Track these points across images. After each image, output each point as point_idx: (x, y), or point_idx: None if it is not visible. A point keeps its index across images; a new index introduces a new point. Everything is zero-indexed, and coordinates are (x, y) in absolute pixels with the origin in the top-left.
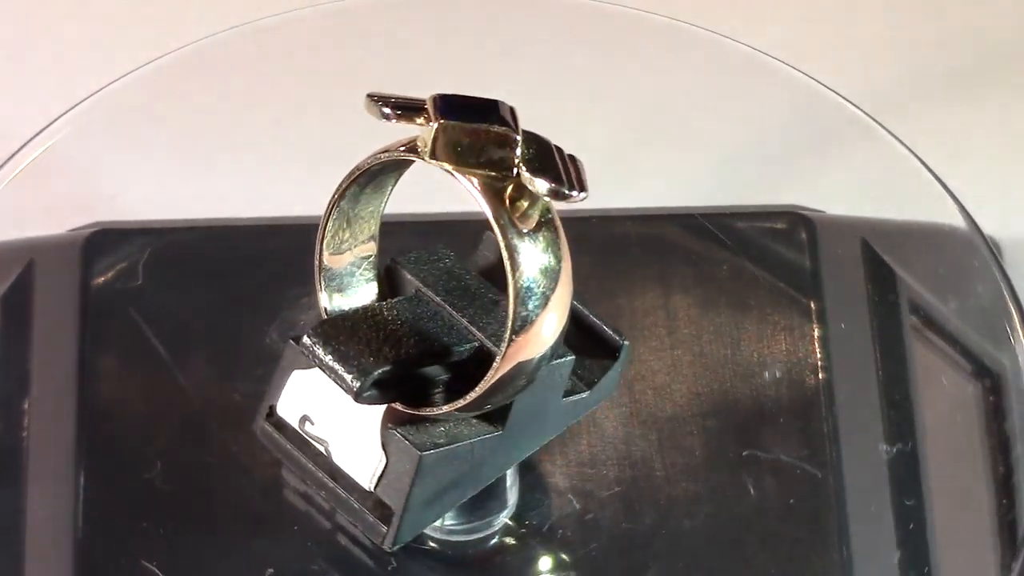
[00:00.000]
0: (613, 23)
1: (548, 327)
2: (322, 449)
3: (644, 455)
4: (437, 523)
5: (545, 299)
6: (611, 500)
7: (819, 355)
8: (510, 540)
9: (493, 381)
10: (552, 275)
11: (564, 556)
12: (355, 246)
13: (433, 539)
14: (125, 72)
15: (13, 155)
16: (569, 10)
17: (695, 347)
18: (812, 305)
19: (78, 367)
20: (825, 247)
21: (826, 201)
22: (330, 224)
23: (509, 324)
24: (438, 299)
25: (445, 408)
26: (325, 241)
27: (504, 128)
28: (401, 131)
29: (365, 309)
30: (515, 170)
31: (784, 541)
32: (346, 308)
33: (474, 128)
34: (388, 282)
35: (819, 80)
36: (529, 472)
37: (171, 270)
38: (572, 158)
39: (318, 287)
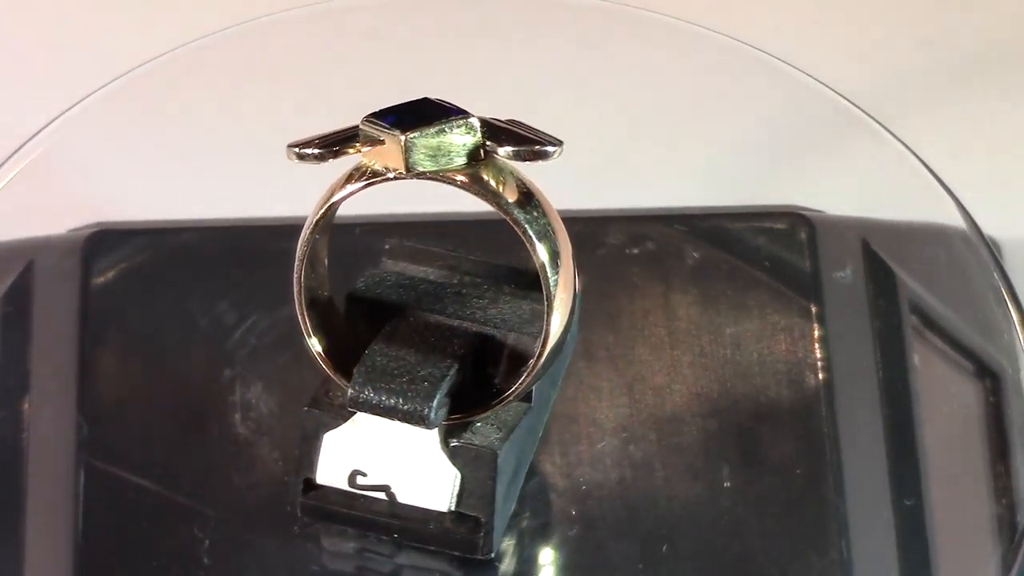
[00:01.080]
0: (612, 21)
1: (568, 284)
2: (382, 495)
3: (644, 455)
4: None
5: (556, 257)
6: (611, 500)
7: (819, 355)
8: (510, 541)
9: (546, 355)
10: (553, 234)
11: (564, 556)
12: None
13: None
14: (125, 71)
15: (12, 154)
16: (568, 9)
17: (695, 347)
18: (812, 305)
19: (78, 367)
20: (825, 247)
21: (826, 201)
22: (307, 263)
23: (546, 296)
24: (422, 310)
25: (497, 403)
26: (304, 283)
27: (460, 118)
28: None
29: (374, 345)
30: (483, 152)
31: (784, 541)
32: (334, 348)
33: (438, 129)
34: (358, 312)
35: (819, 80)
36: (529, 472)
37: (171, 270)
38: (519, 123)
39: (306, 332)
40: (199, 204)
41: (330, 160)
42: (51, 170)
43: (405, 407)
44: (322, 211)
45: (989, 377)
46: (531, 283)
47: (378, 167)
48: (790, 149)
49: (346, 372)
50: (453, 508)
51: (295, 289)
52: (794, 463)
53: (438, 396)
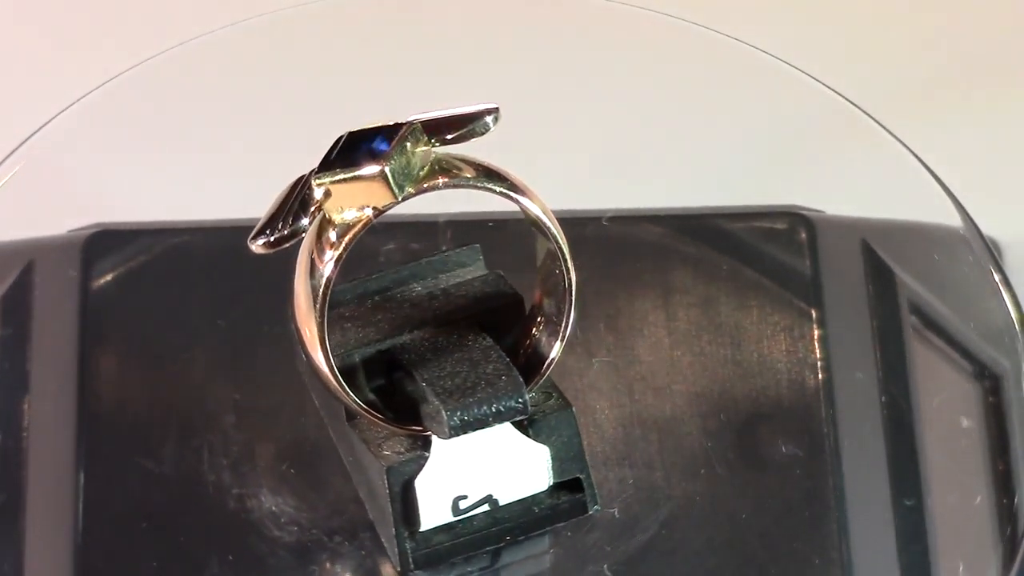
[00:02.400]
0: (611, 21)
1: (555, 222)
2: (485, 507)
3: (644, 455)
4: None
5: (542, 207)
6: (610, 500)
7: (819, 355)
8: (510, 541)
9: (574, 295)
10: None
11: (564, 556)
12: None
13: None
14: (124, 69)
15: (11, 153)
16: (567, 8)
17: (695, 347)
18: (812, 305)
19: (78, 367)
20: (825, 247)
21: (826, 201)
22: (328, 325)
23: (552, 238)
24: (412, 332)
25: (548, 367)
26: (331, 345)
27: (408, 127)
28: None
29: (421, 376)
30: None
31: (784, 541)
32: (371, 396)
33: (401, 146)
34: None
35: (819, 80)
36: None
37: (171, 270)
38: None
39: (347, 397)
40: (199, 204)
41: (302, 236)
42: (51, 170)
43: (504, 406)
44: (321, 296)
45: (989, 377)
46: (446, 265)
47: (349, 215)
48: (790, 149)
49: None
50: (552, 482)
51: (326, 368)
52: (794, 463)
53: (522, 381)
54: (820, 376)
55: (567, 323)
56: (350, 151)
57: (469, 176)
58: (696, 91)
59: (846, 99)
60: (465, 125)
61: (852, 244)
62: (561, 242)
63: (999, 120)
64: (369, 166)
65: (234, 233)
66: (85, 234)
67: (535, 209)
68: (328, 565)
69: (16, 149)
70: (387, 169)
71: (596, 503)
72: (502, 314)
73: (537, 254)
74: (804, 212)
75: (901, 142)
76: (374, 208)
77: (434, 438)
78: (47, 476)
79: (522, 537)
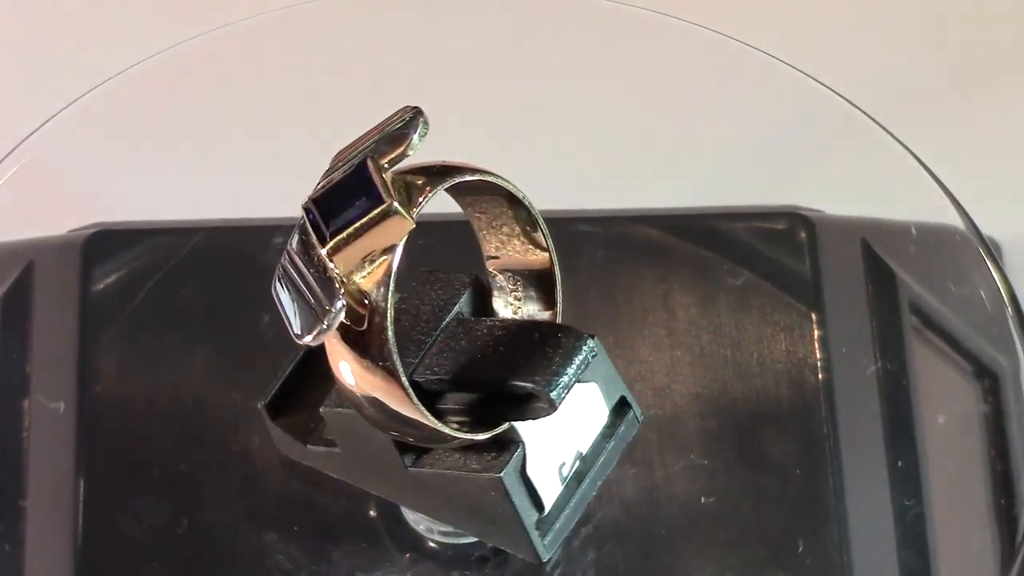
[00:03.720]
0: (611, 21)
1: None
2: (578, 463)
3: (644, 455)
4: (436, 524)
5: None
6: (610, 500)
7: (819, 355)
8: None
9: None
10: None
11: (563, 556)
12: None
13: (433, 540)
14: (124, 69)
15: (11, 152)
16: (568, 9)
17: (695, 347)
18: (812, 305)
19: (78, 367)
20: (825, 247)
21: (826, 201)
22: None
23: (540, 223)
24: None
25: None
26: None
27: (368, 167)
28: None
29: (488, 373)
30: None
31: (784, 541)
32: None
33: (396, 174)
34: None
35: (819, 80)
36: None
37: (171, 270)
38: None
39: (450, 433)
40: (199, 204)
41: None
42: (51, 170)
43: (581, 357)
44: (398, 372)
45: (989, 377)
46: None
47: (367, 274)
48: (790, 149)
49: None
50: (609, 410)
51: (429, 420)
52: (794, 463)
53: (575, 328)
54: (820, 376)
55: (558, 283)
56: (333, 213)
57: (440, 176)
58: (696, 91)
59: (846, 99)
60: (400, 137)
61: (852, 244)
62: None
63: (999, 120)
64: (386, 201)
65: (234, 233)
66: (85, 234)
67: (507, 184)
68: (323, 558)
69: (15, 147)
70: (385, 207)
71: (640, 413)
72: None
73: (484, 241)
74: (804, 212)
75: (900, 142)
76: (385, 250)
77: (519, 425)
78: (47, 476)
79: (607, 474)
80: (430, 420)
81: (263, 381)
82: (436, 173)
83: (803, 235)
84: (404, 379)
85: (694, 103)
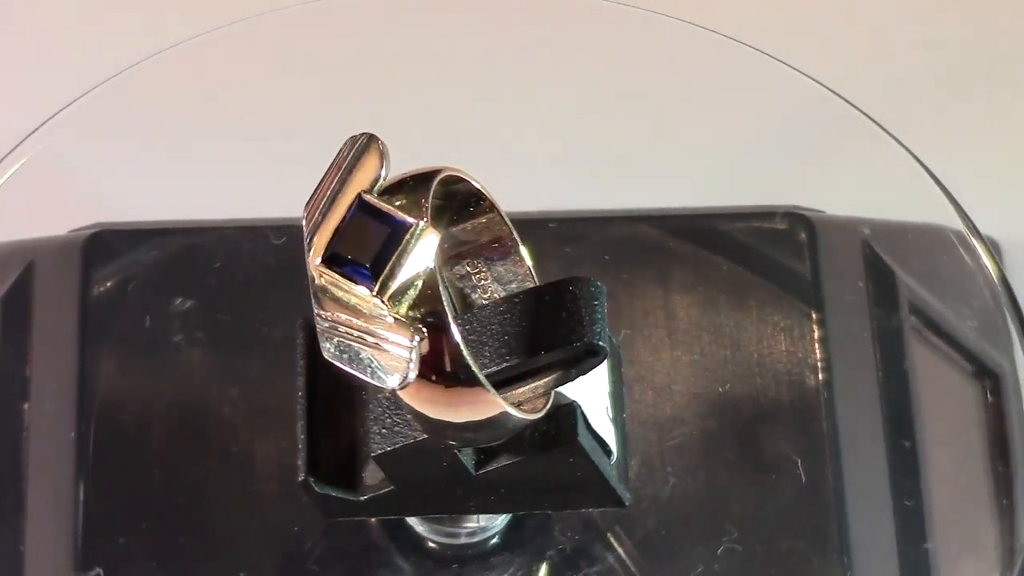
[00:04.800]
0: (612, 21)
1: None
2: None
3: (644, 455)
4: (438, 524)
5: None
6: None
7: (819, 355)
8: (510, 541)
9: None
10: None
11: (563, 556)
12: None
13: (433, 540)
14: (124, 69)
15: (11, 152)
16: (567, 9)
17: (695, 347)
18: (812, 305)
19: (78, 367)
20: (825, 247)
21: (826, 201)
22: None
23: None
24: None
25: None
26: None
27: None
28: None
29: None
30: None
31: (784, 541)
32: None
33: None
34: None
35: (819, 81)
36: None
37: (171, 270)
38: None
39: (517, 412)
40: (199, 204)
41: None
42: (51, 170)
43: (599, 301)
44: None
45: (989, 377)
46: None
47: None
48: (790, 149)
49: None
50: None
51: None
52: (794, 463)
53: (584, 276)
54: (820, 376)
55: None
56: (359, 257)
57: (422, 185)
58: (696, 91)
59: (845, 100)
60: (367, 169)
61: (852, 244)
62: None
63: (999, 120)
64: (405, 230)
65: (235, 233)
66: (85, 234)
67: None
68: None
69: (16, 148)
70: (422, 222)
71: (617, 341)
72: None
73: None
74: (804, 212)
75: (900, 143)
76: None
77: (574, 396)
78: (47, 476)
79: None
80: (519, 413)
81: (263, 381)
82: (413, 186)
83: (803, 235)
84: (490, 386)
85: (694, 103)
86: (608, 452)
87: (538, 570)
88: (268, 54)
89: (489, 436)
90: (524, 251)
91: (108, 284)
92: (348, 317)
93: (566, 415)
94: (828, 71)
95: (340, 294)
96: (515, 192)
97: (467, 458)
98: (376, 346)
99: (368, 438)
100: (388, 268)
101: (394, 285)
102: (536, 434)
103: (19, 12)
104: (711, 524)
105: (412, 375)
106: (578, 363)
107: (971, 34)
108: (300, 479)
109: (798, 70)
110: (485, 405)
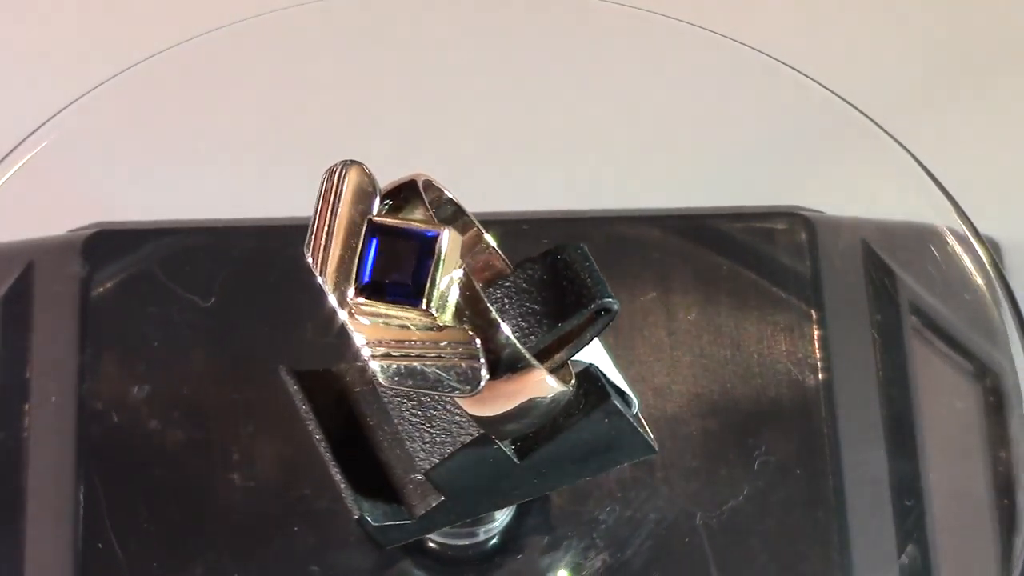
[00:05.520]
0: (612, 22)
1: None
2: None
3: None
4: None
5: None
6: (610, 501)
7: (819, 355)
8: (510, 541)
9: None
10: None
11: (563, 557)
12: None
13: (433, 540)
14: (124, 69)
15: (11, 152)
16: (568, 9)
17: (695, 347)
18: (812, 305)
19: (78, 367)
20: (825, 247)
21: (826, 201)
22: None
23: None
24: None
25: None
26: None
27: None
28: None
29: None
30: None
31: (784, 541)
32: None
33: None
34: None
35: (819, 82)
36: None
37: (171, 270)
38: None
39: (569, 387)
40: (199, 204)
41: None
42: (51, 170)
43: (591, 258)
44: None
45: (989, 377)
46: None
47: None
48: (790, 149)
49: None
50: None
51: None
52: (794, 463)
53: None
54: (820, 376)
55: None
56: (396, 279)
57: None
58: (696, 92)
59: (844, 100)
60: (361, 195)
61: (852, 244)
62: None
63: (999, 120)
64: (435, 239)
65: (234, 233)
66: (85, 234)
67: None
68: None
69: (16, 148)
70: (447, 228)
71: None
72: None
73: None
74: (804, 212)
75: (899, 143)
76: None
77: (584, 360)
78: (47, 476)
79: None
80: (563, 386)
81: (263, 381)
82: (405, 197)
83: (803, 235)
84: (542, 367)
85: (694, 103)
86: (629, 402)
87: (538, 570)
88: (268, 54)
89: (540, 419)
90: (489, 237)
91: (108, 284)
92: (399, 340)
93: (589, 379)
94: (828, 72)
95: (382, 320)
96: (515, 192)
97: (509, 449)
98: (439, 358)
99: (405, 459)
100: (430, 281)
101: (438, 295)
102: (568, 405)
103: (19, 12)
104: (711, 524)
105: (486, 374)
106: (592, 324)
107: (970, 34)
108: (355, 517)
109: (798, 71)
110: (537, 386)
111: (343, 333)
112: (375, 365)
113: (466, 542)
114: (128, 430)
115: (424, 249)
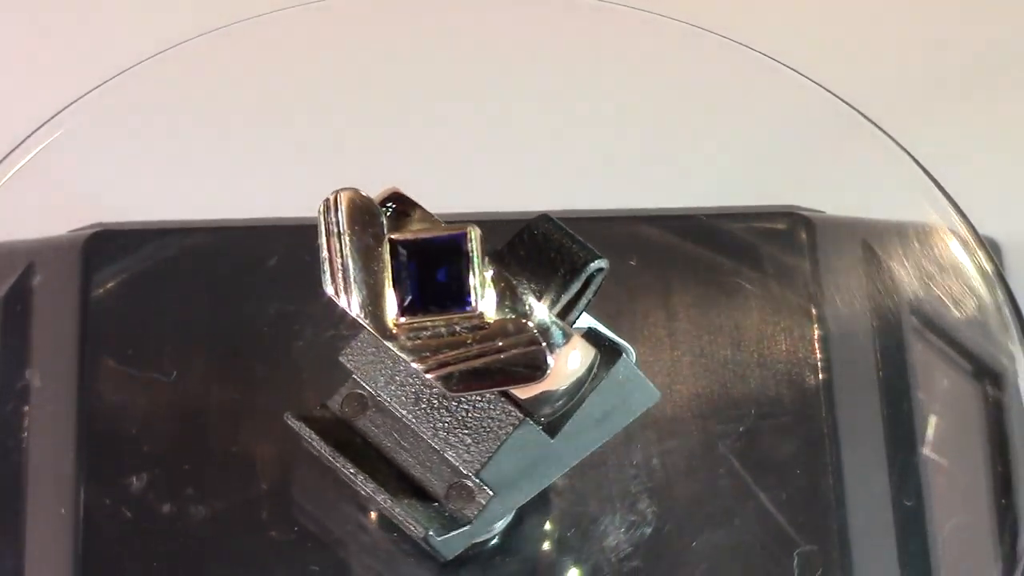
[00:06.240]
0: (612, 22)
1: None
2: None
3: (644, 455)
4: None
5: None
6: (610, 501)
7: (819, 355)
8: (510, 541)
9: None
10: None
11: (564, 557)
12: None
13: None
14: (124, 69)
15: (11, 152)
16: (568, 10)
17: (695, 347)
18: (812, 305)
19: (78, 367)
20: (825, 247)
21: (826, 201)
22: None
23: None
24: None
25: None
26: None
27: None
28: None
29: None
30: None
31: (784, 541)
32: None
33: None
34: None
35: (818, 83)
36: None
37: (171, 270)
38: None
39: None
40: (199, 204)
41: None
42: (51, 170)
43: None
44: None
45: (989, 377)
46: None
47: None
48: (790, 150)
49: None
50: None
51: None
52: (794, 463)
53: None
54: (820, 376)
55: None
56: (443, 285)
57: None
58: (696, 93)
59: (844, 102)
60: (363, 218)
61: (852, 244)
62: None
63: (999, 120)
64: (464, 239)
65: (234, 233)
66: (85, 234)
67: None
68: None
69: (16, 148)
70: (470, 225)
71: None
72: None
73: None
74: (804, 212)
75: (898, 144)
76: None
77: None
78: (47, 477)
79: None
80: (591, 348)
81: (263, 381)
82: (396, 204)
83: (803, 235)
84: (579, 336)
85: (694, 104)
86: (629, 354)
87: (538, 570)
88: (268, 54)
89: (577, 387)
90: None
91: (108, 284)
92: (453, 347)
93: (596, 339)
94: (828, 72)
95: (431, 333)
96: (515, 192)
97: (541, 429)
98: (500, 352)
99: (438, 471)
100: (471, 280)
101: (481, 291)
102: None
103: (19, 12)
104: (711, 524)
105: (551, 356)
106: (589, 285)
107: (970, 34)
108: (421, 536)
109: (798, 72)
110: (583, 355)
111: (344, 332)
112: (436, 379)
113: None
114: (128, 430)
115: (455, 253)
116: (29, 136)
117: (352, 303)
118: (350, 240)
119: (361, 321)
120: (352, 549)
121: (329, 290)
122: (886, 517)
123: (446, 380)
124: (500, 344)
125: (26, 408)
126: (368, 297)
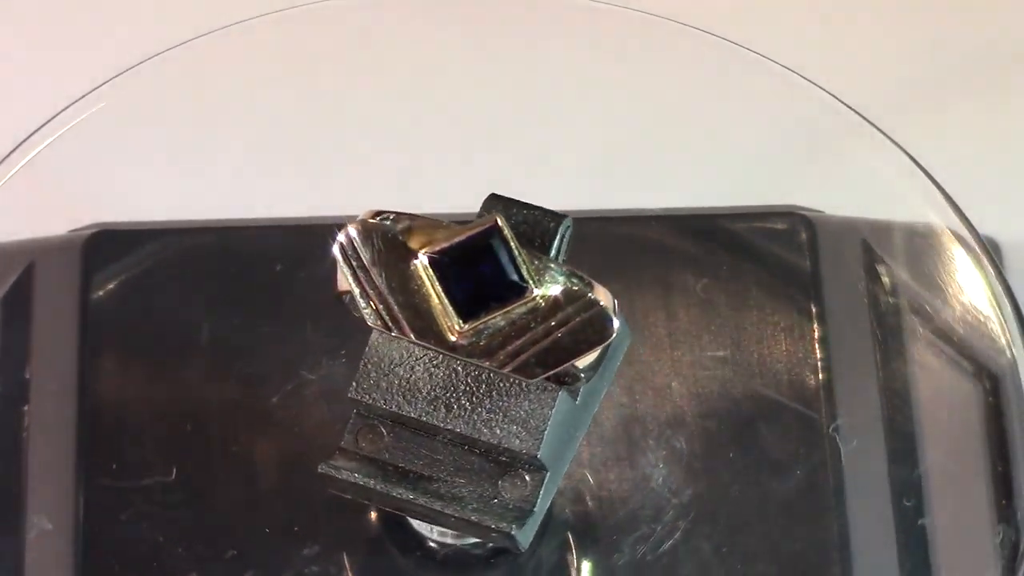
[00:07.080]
0: (612, 23)
1: None
2: None
3: (644, 455)
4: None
5: None
6: (610, 501)
7: (819, 355)
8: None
9: None
10: None
11: (564, 557)
12: None
13: (433, 540)
14: (124, 69)
15: (11, 152)
16: (569, 10)
17: (695, 347)
18: (812, 305)
19: (78, 367)
20: (825, 247)
21: (826, 201)
22: None
23: None
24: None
25: None
26: None
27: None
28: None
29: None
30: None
31: (784, 541)
32: None
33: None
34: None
35: (818, 84)
36: None
37: (171, 270)
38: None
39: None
40: (199, 204)
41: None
42: (51, 170)
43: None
44: None
45: (989, 377)
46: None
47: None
48: (790, 149)
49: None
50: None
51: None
52: (794, 463)
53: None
54: (820, 376)
55: None
56: (488, 280)
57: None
58: (696, 93)
59: (843, 103)
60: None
61: (852, 244)
62: None
63: (999, 120)
64: (495, 229)
65: (234, 233)
66: (85, 234)
67: None
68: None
69: (16, 148)
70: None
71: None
72: None
73: None
74: (804, 212)
75: (898, 144)
76: None
77: None
78: (47, 478)
79: None
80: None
81: (263, 381)
82: (391, 216)
83: (803, 235)
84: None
85: (694, 104)
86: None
87: (538, 570)
88: (268, 54)
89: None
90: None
91: (108, 284)
92: (520, 334)
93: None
94: (828, 73)
95: (491, 331)
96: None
97: (570, 395)
98: (564, 326)
99: (479, 472)
100: (517, 266)
101: (528, 274)
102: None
103: (19, 12)
104: (711, 524)
105: (615, 317)
106: (561, 247)
107: (970, 34)
108: (509, 533)
109: (797, 72)
110: (616, 313)
111: (342, 333)
112: (512, 371)
113: (467, 542)
114: (128, 430)
115: (489, 245)
116: (29, 136)
117: (407, 331)
118: (378, 271)
119: (423, 344)
120: (352, 549)
121: (376, 326)
122: (886, 517)
123: (525, 369)
124: (562, 317)
125: (26, 408)
126: (418, 318)
